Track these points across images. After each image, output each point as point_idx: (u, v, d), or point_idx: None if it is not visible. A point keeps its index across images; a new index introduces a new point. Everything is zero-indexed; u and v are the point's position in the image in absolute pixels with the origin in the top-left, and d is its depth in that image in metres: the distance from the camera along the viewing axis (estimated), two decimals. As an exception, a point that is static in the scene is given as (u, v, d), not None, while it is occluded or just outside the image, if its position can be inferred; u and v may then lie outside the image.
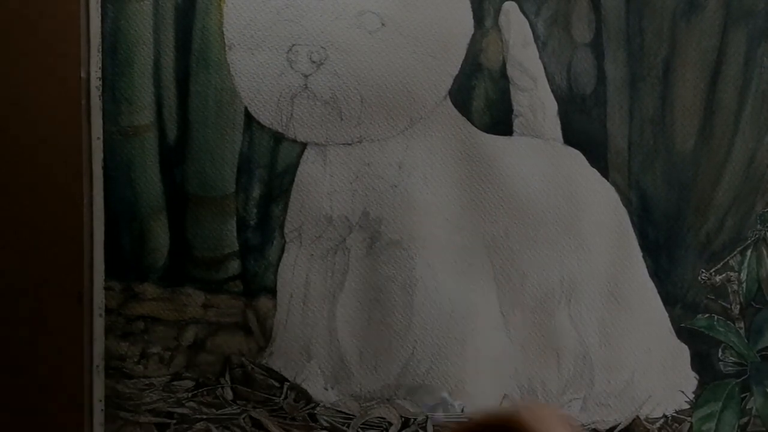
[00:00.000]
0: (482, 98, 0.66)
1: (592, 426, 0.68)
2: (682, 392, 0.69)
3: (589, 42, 0.66)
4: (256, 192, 0.65)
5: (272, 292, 0.66)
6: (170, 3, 0.63)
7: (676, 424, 0.69)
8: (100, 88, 0.63)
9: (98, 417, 0.66)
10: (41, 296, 0.64)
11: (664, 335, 0.68)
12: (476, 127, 0.66)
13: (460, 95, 0.65)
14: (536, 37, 0.65)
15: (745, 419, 0.69)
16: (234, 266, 0.65)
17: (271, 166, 0.65)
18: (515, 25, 0.65)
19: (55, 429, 0.65)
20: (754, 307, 0.69)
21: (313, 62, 0.63)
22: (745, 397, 0.69)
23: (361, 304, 0.66)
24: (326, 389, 0.67)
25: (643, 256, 0.67)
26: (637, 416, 0.68)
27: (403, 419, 0.67)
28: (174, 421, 0.66)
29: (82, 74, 0.63)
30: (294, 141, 0.64)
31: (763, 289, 0.69)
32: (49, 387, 0.65)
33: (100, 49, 0.63)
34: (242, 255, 0.65)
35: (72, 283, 0.64)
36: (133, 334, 0.65)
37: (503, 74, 0.66)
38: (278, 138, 0.64)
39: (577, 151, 0.66)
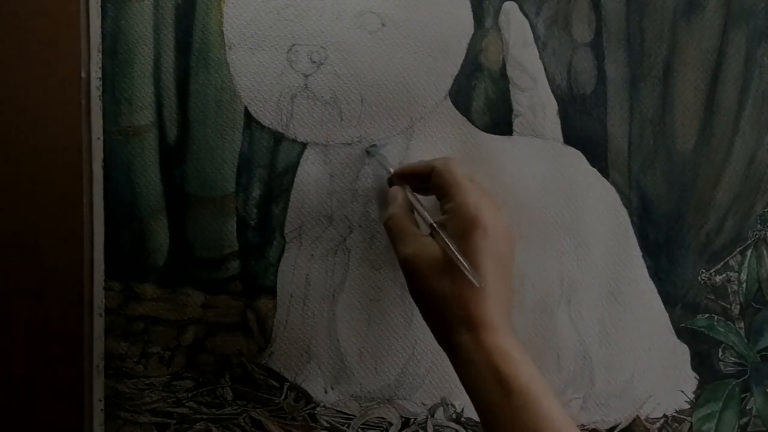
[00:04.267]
0: (482, 98, 0.66)
1: (592, 426, 0.68)
2: (682, 392, 0.69)
3: (589, 42, 0.66)
4: (256, 192, 0.65)
5: (272, 292, 0.66)
6: (170, 3, 0.63)
7: (676, 424, 0.69)
8: (100, 88, 0.63)
9: (98, 417, 0.66)
10: (41, 296, 0.64)
11: (664, 335, 0.68)
12: (476, 127, 0.66)
13: (460, 95, 0.65)
14: (536, 37, 0.65)
15: (745, 419, 0.70)
16: (234, 266, 0.65)
17: (271, 166, 0.65)
18: (515, 25, 0.65)
19: (54, 429, 0.65)
20: (754, 307, 0.69)
21: (313, 62, 0.63)
22: (745, 397, 0.69)
23: (361, 304, 0.66)
24: (326, 389, 0.67)
25: (643, 256, 0.67)
26: (638, 416, 0.68)
27: (403, 419, 0.67)
28: (174, 421, 0.66)
29: (82, 74, 0.63)
30: (294, 141, 0.64)
31: (763, 289, 0.69)
32: (49, 387, 0.65)
33: (100, 49, 0.63)
34: (242, 255, 0.65)
35: (72, 283, 0.64)
36: (133, 334, 0.66)
37: (503, 74, 0.66)
38: (278, 138, 0.64)
39: (577, 151, 0.66)
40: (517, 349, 0.52)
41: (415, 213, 0.59)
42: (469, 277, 0.52)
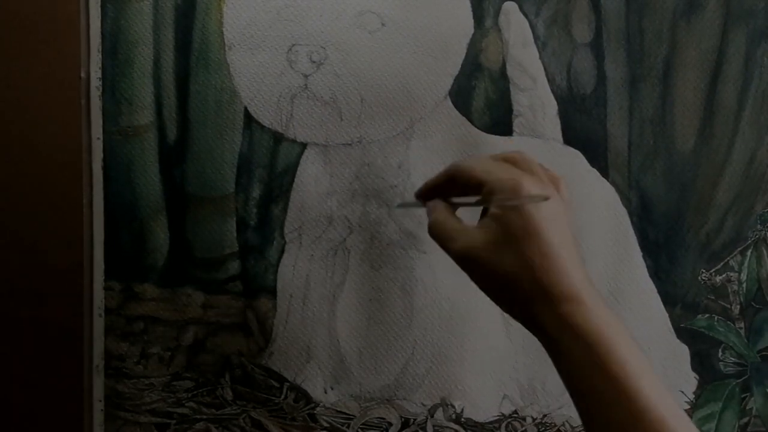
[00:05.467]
0: (482, 98, 0.66)
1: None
2: (682, 392, 0.69)
3: (589, 42, 0.66)
4: (256, 192, 0.65)
5: (272, 292, 0.66)
6: (170, 3, 0.63)
7: (676, 424, 0.69)
8: (100, 88, 0.63)
9: (98, 417, 0.66)
10: (41, 296, 0.64)
11: (664, 335, 0.68)
12: (476, 127, 0.66)
13: (460, 95, 0.65)
14: (536, 37, 0.65)
15: (745, 419, 0.69)
16: (234, 266, 0.65)
17: (271, 167, 0.65)
18: (515, 25, 0.65)
19: (54, 429, 0.65)
20: (754, 307, 0.69)
21: (313, 62, 0.63)
22: (745, 397, 0.69)
23: (361, 304, 0.66)
24: (326, 389, 0.67)
25: (643, 256, 0.67)
26: (637, 416, 0.68)
27: (403, 419, 0.67)
28: (174, 421, 0.66)
29: (82, 74, 0.63)
30: (294, 141, 0.64)
31: (763, 289, 0.69)
32: (49, 387, 0.65)
33: (100, 49, 0.63)
34: (242, 255, 0.65)
35: (72, 283, 0.64)
36: (133, 334, 0.65)
37: (503, 74, 0.66)
38: (278, 138, 0.64)
39: (576, 151, 0.66)
40: (606, 325, 0.47)
41: (458, 211, 0.54)
42: (539, 196, 0.47)
